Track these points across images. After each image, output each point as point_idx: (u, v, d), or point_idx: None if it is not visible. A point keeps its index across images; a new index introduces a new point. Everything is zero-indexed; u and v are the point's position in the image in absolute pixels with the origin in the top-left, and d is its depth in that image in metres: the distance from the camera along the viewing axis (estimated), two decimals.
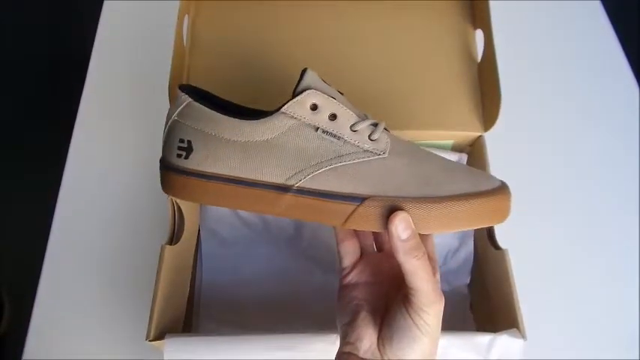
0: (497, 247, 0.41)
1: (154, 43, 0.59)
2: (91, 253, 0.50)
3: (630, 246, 0.52)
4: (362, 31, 0.50)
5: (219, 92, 0.45)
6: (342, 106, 0.33)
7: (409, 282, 0.30)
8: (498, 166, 0.44)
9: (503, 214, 0.33)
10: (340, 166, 0.32)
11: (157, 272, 0.38)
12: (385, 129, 0.34)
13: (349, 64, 0.48)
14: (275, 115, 0.32)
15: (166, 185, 0.35)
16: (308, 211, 0.32)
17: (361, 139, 0.32)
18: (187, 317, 0.44)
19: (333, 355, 0.36)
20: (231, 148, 0.32)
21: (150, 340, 0.35)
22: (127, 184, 0.53)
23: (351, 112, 0.33)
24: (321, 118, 0.32)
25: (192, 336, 0.36)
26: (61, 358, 0.45)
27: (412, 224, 0.31)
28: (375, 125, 0.33)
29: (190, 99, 0.33)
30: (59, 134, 0.60)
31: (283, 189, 0.32)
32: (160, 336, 0.36)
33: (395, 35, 0.50)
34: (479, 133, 0.46)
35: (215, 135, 0.32)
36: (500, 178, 0.34)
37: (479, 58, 0.49)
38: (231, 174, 0.32)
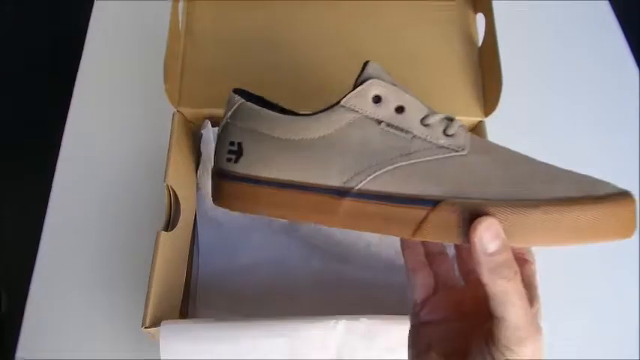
0: None
1: (150, 26, 0.58)
2: (87, 241, 0.49)
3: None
4: (360, 15, 0.49)
5: (217, 75, 0.44)
6: (410, 96, 0.29)
7: (495, 310, 0.24)
8: None
9: (627, 227, 0.26)
10: (409, 164, 0.27)
11: (153, 259, 0.37)
12: (462, 126, 0.29)
13: (347, 48, 0.47)
14: (333, 109, 0.28)
15: (215, 194, 0.32)
16: (370, 219, 0.28)
17: (434, 134, 0.28)
18: (184, 304, 0.43)
19: (331, 341, 0.35)
20: (283, 148, 0.29)
21: (145, 327, 0.35)
22: (123, 169, 0.52)
23: (422, 104, 0.29)
24: (386, 111, 0.28)
25: (189, 322, 0.36)
26: (56, 346, 0.45)
27: (502, 234, 0.25)
28: (451, 120, 0.29)
29: (243, 99, 0.31)
30: (53, 121, 0.59)
31: (341, 193, 0.28)
32: (155, 322, 0.35)
33: (393, 18, 0.49)
34: (479, 119, 0.45)
35: (267, 134, 0.29)
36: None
37: (480, 41, 0.48)
38: (283, 177, 0.29)
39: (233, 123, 0.31)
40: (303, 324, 0.35)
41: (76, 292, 0.47)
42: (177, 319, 0.40)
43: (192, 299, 0.45)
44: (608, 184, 0.27)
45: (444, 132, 0.28)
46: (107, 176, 0.52)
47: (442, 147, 0.28)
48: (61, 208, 0.51)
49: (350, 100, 0.28)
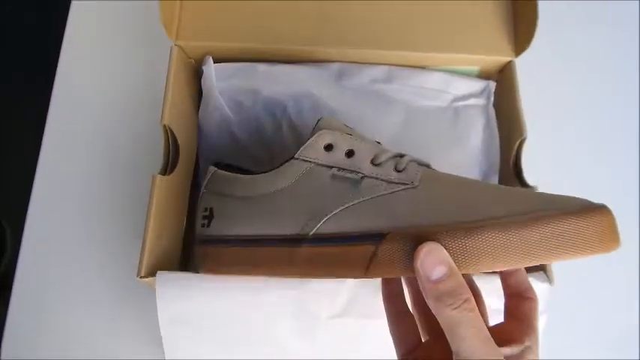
0: (524, 184, 0.38)
1: None
2: (80, 185, 0.47)
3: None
4: None
5: (219, 6, 0.40)
6: (359, 140, 0.30)
7: (450, 343, 0.22)
8: (530, 96, 0.40)
9: (606, 239, 0.23)
10: (358, 202, 0.27)
11: (149, 204, 0.34)
12: (415, 162, 0.29)
13: None
14: (289, 162, 0.30)
15: (195, 261, 0.34)
16: (325, 263, 0.28)
17: (384, 172, 0.28)
18: (186, 253, 0.41)
19: (340, 296, 0.33)
20: (246, 206, 0.31)
21: (141, 277, 0.33)
22: (118, 110, 0.49)
23: (371, 146, 0.30)
24: (337, 157, 0.29)
25: (187, 273, 0.33)
26: (51, 296, 0.43)
27: (448, 259, 0.23)
28: (401, 156, 0.29)
29: (216, 169, 0.33)
30: (48, 56, 0.55)
31: (298, 240, 0.28)
32: (151, 272, 0.33)
33: None
34: (509, 58, 0.41)
35: (231, 195, 0.31)
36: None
37: None
38: (247, 233, 0.30)
39: (207, 191, 0.33)
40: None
41: (70, 239, 0.45)
42: (176, 269, 0.38)
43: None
44: (578, 199, 0.25)
45: (395, 168, 0.28)
46: (101, 117, 0.49)
47: (392, 182, 0.28)
48: (54, 150, 0.48)
49: (303, 151, 0.30)
